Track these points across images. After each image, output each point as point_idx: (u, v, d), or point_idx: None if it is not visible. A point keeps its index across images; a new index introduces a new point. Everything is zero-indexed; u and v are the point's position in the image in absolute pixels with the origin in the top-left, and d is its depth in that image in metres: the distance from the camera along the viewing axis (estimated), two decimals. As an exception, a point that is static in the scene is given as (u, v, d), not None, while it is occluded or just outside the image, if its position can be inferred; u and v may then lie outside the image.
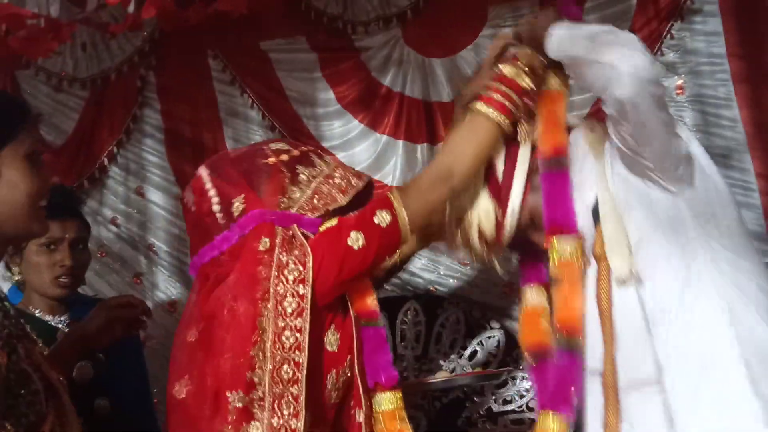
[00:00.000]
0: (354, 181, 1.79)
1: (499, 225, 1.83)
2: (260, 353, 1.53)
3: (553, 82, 1.82)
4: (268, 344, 1.53)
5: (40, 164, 1.41)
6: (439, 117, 3.30)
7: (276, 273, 1.57)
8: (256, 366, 1.53)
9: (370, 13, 3.33)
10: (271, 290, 1.55)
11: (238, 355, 1.54)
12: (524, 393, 3.10)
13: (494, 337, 3.16)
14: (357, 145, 3.38)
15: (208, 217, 1.71)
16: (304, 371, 1.53)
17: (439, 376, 2.46)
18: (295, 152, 1.76)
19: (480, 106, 1.77)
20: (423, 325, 3.20)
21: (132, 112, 3.54)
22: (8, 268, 2.29)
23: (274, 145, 1.79)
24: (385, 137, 3.34)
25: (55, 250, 2.21)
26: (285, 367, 1.53)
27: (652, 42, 3.04)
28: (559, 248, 1.74)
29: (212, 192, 1.72)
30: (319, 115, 3.41)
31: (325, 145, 3.38)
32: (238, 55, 3.45)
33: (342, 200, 1.73)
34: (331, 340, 1.65)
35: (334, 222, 1.67)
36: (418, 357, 3.18)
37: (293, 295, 1.56)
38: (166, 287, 3.51)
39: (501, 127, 1.76)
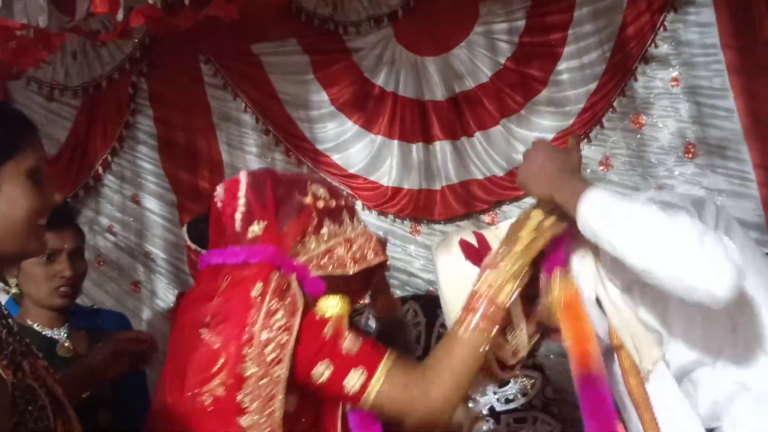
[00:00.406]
0: (369, 255, 1.73)
1: (515, 351, 1.78)
2: (245, 398, 1.53)
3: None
4: (250, 389, 1.52)
5: (42, 181, 1.36)
6: (433, 115, 3.29)
7: (263, 319, 1.56)
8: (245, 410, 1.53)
9: (361, 14, 3.32)
10: (256, 337, 1.53)
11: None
12: (527, 392, 3.09)
13: (495, 335, 3.15)
14: (352, 147, 3.36)
15: (229, 219, 1.70)
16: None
17: None
18: (332, 203, 1.72)
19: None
20: (423, 325, 3.19)
21: (125, 119, 3.53)
22: (4, 280, 2.28)
23: (316, 187, 1.75)
24: (380, 138, 3.33)
25: (54, 261, 2.20)
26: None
27: (645, 34, 3.02)
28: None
29: (242, 201, 1.71)
30: (312, 117, 3.40)
31: (319, 147, 3.38)
32: (229, 59, 3.44)
33: (350, 270, 1.69)
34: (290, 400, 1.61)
35: (332, 311, 1.63)
36: (420, 358, 3.15)
37: (276, 344, 1.56)
38: (164, 294, 3.50)
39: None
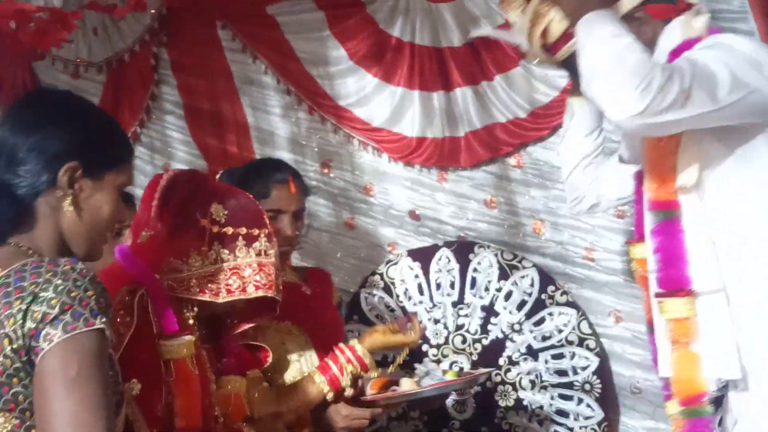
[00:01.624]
0: (250, 288, 1.78)
1: (564, 37, 1.83)
2: None
3: None
4: None
5: (123, 203, 1.51)
6: (451, 62, 3.28)
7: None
8: None
9: (373, -36, 3.30)
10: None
11: None
12: (562, 328, 3.13)
13: (528, 276, 3.18)
14: (373, 100, 3.37)
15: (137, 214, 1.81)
16: None
17: (405, 385, 2.29)
18: (228, 230, 1.78)
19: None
20: (457, 271, 3.23)
21: (150, 90, 3.58)
22: None
23: (217, 210, 1.79)
24: (400, 89, 3.33)
25: (120, 234, 2.35)
26: None
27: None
28: (670, 308, 1.71)
29: (158, 194, 1.79)
30: (332, 73, 3.41)
31: (341, 103, 3.39)
32: (245, 22, 3.46)
33: (220, 299, 1.76)
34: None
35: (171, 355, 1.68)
36: (455, 303, 3.22)
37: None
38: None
39: None
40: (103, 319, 1.27)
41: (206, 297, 1.75)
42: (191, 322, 1.78)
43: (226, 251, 1.77)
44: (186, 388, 1.69)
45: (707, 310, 1.69)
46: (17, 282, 1.28)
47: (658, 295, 1.73)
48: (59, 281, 1.26)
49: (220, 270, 1.76)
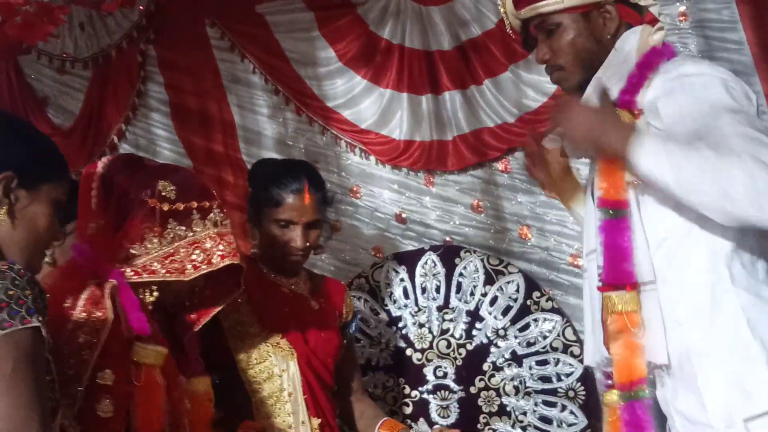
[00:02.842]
0: (215, 259, 1.76)
1: None
2: None
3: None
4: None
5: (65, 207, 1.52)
6: (440, 65, 3.27)
7: (71, 328, 1.59)
8: None
9: (364, -35, 3.29)
10: (62, 351, 1.54)
11: None
12: (547, 334, 3.12)
13: (513, 281, 3.17)
14: (362, 102, 3.36)
15: (83, 198, 1.77)
16: None
17: None
18: (180, 205, 1.75)
19: None
20: (442, 275, 3.22)
21: (136, 87, 3.55)
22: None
23: (164, 186, 1.76)
24: (389, 91, 3.32)
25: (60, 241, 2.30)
26: None
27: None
28: (617, 302, 1.76)
29: (93, 193, 1.76)
30: (321, 74, 3.40)
31: (329, 104, 3.38)
32: (234, 21, 3.44)
33: (189, 276, 1.73)
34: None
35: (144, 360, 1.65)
36: (440, 307, 3.20)
37: (78, 359, 1.56)
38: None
39: None
40: (40, 318, 1.28)
41: (173, 277, 1.71)
42: (149, 308, 1.74)
43: (183, 227, 1.74)
44: (150, 398, 1.65)
45: (645, 301, 1.75)
46: None
47: (603, 289, 1.77)
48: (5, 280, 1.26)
49: (180, 247, 1.73)
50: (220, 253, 1.76)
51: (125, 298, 1.66)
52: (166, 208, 1.74)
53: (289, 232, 2.32)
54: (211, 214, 1.78)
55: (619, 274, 1.75)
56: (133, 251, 1.71)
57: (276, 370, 2.25)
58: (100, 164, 1.80)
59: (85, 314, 1.60)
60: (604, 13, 1.84)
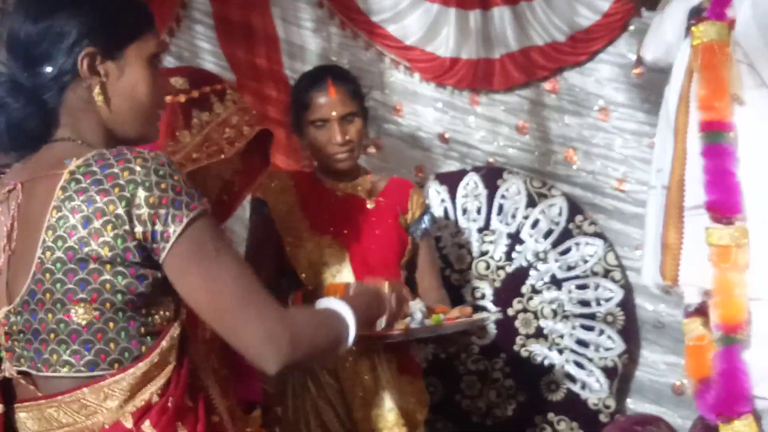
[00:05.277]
0: (246, 130, 1.80)
1: None
2: None
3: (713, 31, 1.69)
4: None
5: (158, 70, 1.42)
6: (491, -21, 3.16)
7: None
8: None
9: None
10: None
11: None
12: (588, 258, 3.08)
13: (556, 204, 3.12)
14: (408, 17, 3.27)
15: None
16: None
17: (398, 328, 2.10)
18: (195, 94, 1.75)
19: None
20: (484, 197, 3.18)
21: (180, -1, 3.51)
22: None
23: (175, 81, 1.77)
24: (436, 6, 3.21)
25: None
26: None
27: None
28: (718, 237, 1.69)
29: None
30: (366, -13, 3.31)
31: (374, 19, 3.29)
32: (280, -69, 3.35)
33: (228, 153, 1.76)
34: None
35: None
36: (481, 229, 3.18)
37: None
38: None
39: None
40: (203, 200, 1.28)
41: (215, 158, 1.75)
42: None
43: (206, 113, 1.77)
44: None
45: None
46: (104, 169, 1.24)
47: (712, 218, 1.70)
48: (155, 167, 1.24)
49: (212, 131, 1.76)
50: (246, 123, 1.81)
51: None
52: (183, 99, 1.75)
53: (327, 131, 2.32)
54: (227, 94, 1.82)
55: (727, 206, 1.68)
56: (170, 149, 1.72)
57: (329, 273, 2.31)
58: None
59: None
60: None
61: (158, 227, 1.23)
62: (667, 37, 1.95)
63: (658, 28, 2.02)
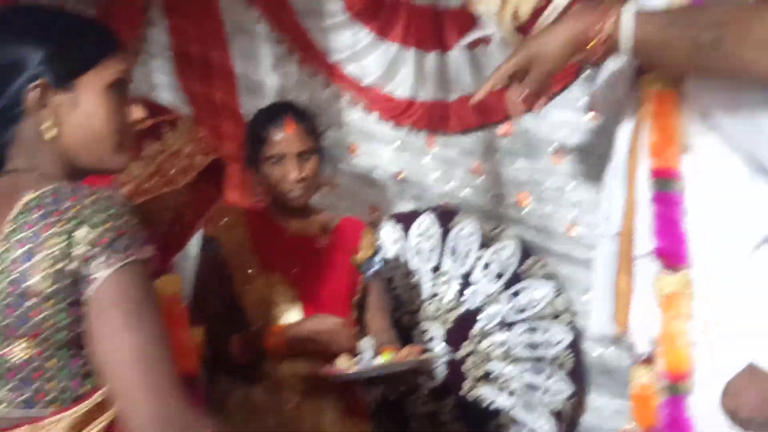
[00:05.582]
0: (198, 159, 1.79)
1: (537, 12, 1.80)
2: None
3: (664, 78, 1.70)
4: None
5: (126, 96, 1.38)
6: (448, 23, 3.20)
7: None
8: None
9: None
10: None
11: None
12: (538, 301, 3.09)
13: (507, 247, 3.14)
14: (367, 56, 3.30)
15: None
16: None
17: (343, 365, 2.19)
18: (147, 122, 1.69)
19: None
20: (438, 237, 3.19)
21: (139, 31, 3.49)
22: None
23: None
24: (395, 46, 3.25)
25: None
26: None
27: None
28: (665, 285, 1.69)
29: None
30: (326, 26, 3.33)
31: (333, 58, 3.32)
32: (242, -33, 3.37)
33: (181, 182, 1.75)
34: None
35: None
36: (434, 269, 3.18)
37: None
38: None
39: None
40: (145, 248, 1.24)
41: (166, 189, 1.73)
42: None
43: (158, 143, 1.75)
44: (178, 327, 1.67)
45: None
46: (55, 203, 1.21)
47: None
48: (106, 206, 1.21)
49: (164, 161, 1.74)
50: (201, 152, 1.80)
51: None
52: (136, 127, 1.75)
53: (283, 167, 2.32)
54: (179, 124, 1.81)
55: (674, 255, 1.67)
56: (120, 180, 1.70)
57: (278, 310, 2.28)
58: None
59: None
60: None
61: (89, 267, 1.21)
62: (617, 90, 1.96)
63: (607, 81, 2.04)
